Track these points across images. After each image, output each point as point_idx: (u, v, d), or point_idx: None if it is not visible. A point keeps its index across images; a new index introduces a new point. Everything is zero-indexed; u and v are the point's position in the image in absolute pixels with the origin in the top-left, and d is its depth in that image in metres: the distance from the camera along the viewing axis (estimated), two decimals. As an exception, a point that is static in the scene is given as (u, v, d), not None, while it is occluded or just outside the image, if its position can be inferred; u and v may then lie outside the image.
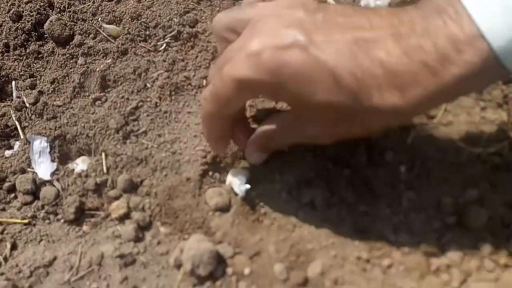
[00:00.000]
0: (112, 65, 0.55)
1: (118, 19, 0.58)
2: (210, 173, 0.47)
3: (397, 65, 0.30)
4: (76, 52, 0.57)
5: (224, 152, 0.46)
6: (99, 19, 0.58)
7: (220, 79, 0.34)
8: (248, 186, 0.44)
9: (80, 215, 0.47)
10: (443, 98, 0.32)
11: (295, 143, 0.40)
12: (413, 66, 0.29)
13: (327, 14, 0.33)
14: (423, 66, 0.29)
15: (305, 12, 0.33)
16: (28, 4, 0.60)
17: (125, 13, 0.58)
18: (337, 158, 0.44)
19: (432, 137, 0.44)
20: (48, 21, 0.57)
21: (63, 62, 0.56)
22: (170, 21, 0.56)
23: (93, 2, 0.60)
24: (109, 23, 0.58)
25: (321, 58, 0.31)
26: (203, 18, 0.56)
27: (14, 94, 0.56)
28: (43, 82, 0.56)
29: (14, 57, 0.58)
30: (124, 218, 0.46)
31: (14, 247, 0.45)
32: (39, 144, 0.51)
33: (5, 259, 0.44)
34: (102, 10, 0.59)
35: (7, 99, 0.58)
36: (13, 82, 0.57)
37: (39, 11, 0.59)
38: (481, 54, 0.28)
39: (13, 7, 0.61)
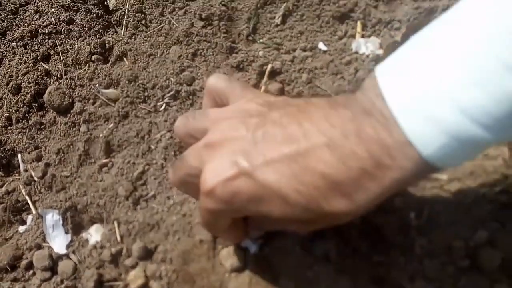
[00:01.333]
0: (115, 130, 0.56)
1: (116, 81, 0.59)
2: (223, 233, 0.48)
3: (337, 175, 0.30)
4: (77, 119, 0.57)
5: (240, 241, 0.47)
6: (97, 84, 0.59)
7: (200, 209, 0.38)
8: (259, 242, 0.45)
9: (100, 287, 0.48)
10: (391, 192, 0.31)
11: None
12: (352, 173, 0.30)
13: (266, 129, 0.34)
14: (362, 172, 0.30)
15: (246, 130, 0.35)
16: (26, 76, 0.61)
17: (121, 75, 0.59)
18: (346, 209, 0.45)
19: (438, 179, 0.45)
20: (47, 93, 0.58)
21: (66, 131, 0.57)
22: (167, 81, 0.57)
23: (89, 66, 0.61)
24: (106, 87, 0.59)
25: (266, 182, 0.32)
26: (199, 74, 0.57)
27: (21, 167, 0.57)
28: (48, 153, 0.57)
29: (18, 130, 0.59)
30: (143, 288, 0.46)
31: (38, 329, 0.46)
32: (52, 217, 0.52)
33: None
34: (98, 74, 0.60)
35: (15, 172, 0.58)
36: (19, 155, 0.58)
37: (37, 81, 0.60)
38: (413, 160, 0.27)
39: (11, 79, 0.62)
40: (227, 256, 0.46)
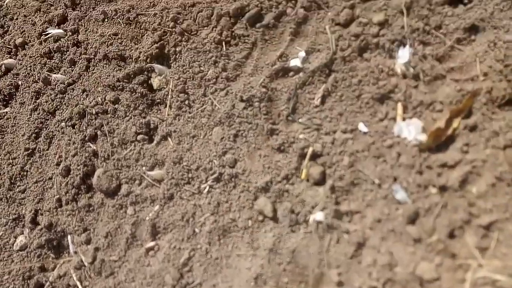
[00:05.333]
0: (161, 212, 0.57)
1: (161, 162, 0.61)
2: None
3: None
4: (124, 201, 0.59)
5: None
6: (143, 166, 0.61)
7: None
8: None
9: None
10: None
11: None
12: None
13: None
14: None
15: None
16: (75, 157, 0.63)
17: (166, 156, 0.60)
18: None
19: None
20: (95, 177, 0.60)
21: (113, 213, 0.59)
22: (210, 163, 0.58)
23: (135, 146, 0.63)
24: (152, 167, 0.61)
25: None
26: (240, 156, 0.58)
27: (71, 249, 0.59)
28: (97, 236, 0.59)
29: (68, 212, 0.61)
30: None
31: None
32: (101, 304, 0.54)
33: None
34: (144, 154, 0.62)
35: (65, 252, 0.60)
36: (69, 237, 0.60)
37: (85, 163, 0.63)
38: None
39: (61, 160, 0.64)
40: None
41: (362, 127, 0.55)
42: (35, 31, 0.74)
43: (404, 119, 0.54)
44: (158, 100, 0.65)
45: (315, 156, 0.56)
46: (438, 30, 0.57)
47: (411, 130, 0.52)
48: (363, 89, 0.57)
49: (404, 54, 0.56)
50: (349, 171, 0.53)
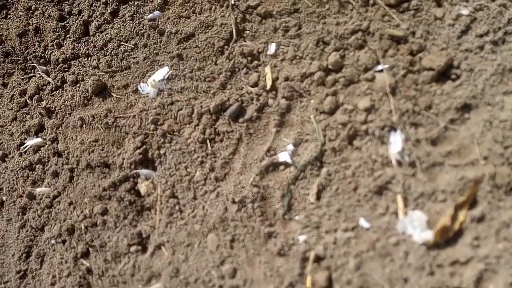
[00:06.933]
0: (163, 335, 0.54)
1: (157, 274, 0.58)
2: None
3: None
4: (124, 325, 0.56)
5: None
6: (140, 285, 0.58)
7: None
8: None
9: None
10: None
11: None
12: None
13: None
14: None
15: None
16: (69, 278, 0.60)
17: (162, 269, 0.57)
18: None
19: None
20: (91, 302, 0.57)
21: (114, 339, 0.56)
22: (208, 275, 0.55)
23: (128, 259, 0.60)
24: (148, 280, 0.58)
25: None
26: (239, 264, 0.55)
27: None
28: None
29: None
30: None
31: None
32: None
33: None
34: (139, 267, 0.59)
35: None
36: None
37: (80, 283, 0.60)
38: None
39: (55, 280, 0.62)
40: None
41: (363, 222, 0.52)
42: (13, 142, 0.72)
43: (406, 212, 0.51)
44: (147, 205, 0.62)
45: (318, 259, 0.53)
46: (429, 111, 0.54)
47: (415, 226, 0.50)
48: (358, 181, 0.54)
49: (396, 141, 0.53)
50: (356, 275, 0.50)
